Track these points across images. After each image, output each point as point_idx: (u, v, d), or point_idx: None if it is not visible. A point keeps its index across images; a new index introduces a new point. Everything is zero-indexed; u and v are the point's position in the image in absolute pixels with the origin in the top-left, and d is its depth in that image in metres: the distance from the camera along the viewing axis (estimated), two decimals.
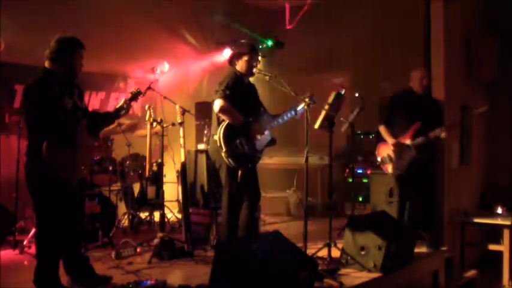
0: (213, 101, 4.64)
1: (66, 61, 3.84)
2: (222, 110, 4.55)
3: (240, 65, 4.80)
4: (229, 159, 4.57)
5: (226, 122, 4.60)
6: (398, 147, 5.34)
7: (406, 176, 5.37)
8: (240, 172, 4.64)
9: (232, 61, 4.87)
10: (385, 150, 5.48)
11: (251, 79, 4.99)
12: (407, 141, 5.32)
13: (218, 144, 4.56)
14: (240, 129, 4.62)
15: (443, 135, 5.23)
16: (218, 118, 4.68)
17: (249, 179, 4.74)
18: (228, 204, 4.72)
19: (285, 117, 4.91)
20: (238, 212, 4.77)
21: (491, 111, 6.67)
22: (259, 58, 4.90)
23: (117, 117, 4.29)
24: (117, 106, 4.21)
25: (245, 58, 4.77)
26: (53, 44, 3.84)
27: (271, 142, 4.92)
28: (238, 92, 4.67)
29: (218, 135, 4.58)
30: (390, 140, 5.39)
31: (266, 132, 4.82)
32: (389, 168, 5.46)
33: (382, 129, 5.51)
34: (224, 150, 4.54)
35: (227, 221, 4.72)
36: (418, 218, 5.33)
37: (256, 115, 4.82)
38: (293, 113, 4.89)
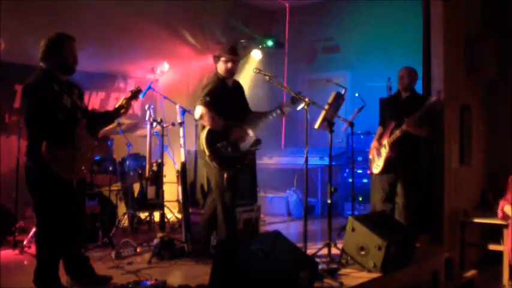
0: (195, 107, 4.71)
1: (57, 57, 3.83)
2: (202, 117, 4.64)
3: (220, 68, 4.86)
4: (213, 163, 4.63)
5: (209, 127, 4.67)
6: (377, 147, 5.55)
7: (387, 175, 5.49)
8: (225, 175, 4.66)
9: (216, 59, 4.91)
10: (371, 151, 5.69)
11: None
12: (385, 141, 5.45)
13: (202, 148, 4.64)
14: (222, 132, 4.67)
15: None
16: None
17: (235, 181, 4.76)
18: (223, 205, 4.74)
19: (270, 117, 4.93)
20: (234, 212, 4.85)
21: (491, 111, 6.72)
22: (239, 59, 4.93)
23: (118, 117, 4.29)
24: (117, 105, 4.21)
25: (223, 60, 4.82)
26: (41, 44, 3.85)
27: (256, 143, 4.93)
28: (221, 95, 4.73)
29: (201, 139, 4.66)
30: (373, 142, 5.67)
31: (250, 133, 4.83)
32: (372, 167, 5.63)
33: (378, 131, 5.73)
34: (207, 154, 4.61)
35: (225, 221, 4.74)
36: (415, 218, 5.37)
37: (240, 117, 4.84)
38: (278, 111, 4.91)
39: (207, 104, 4.63)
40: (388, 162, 5.44)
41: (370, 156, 5.68)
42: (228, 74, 4.85)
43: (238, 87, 5.05)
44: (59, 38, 3.88)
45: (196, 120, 4.87)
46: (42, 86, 3.72)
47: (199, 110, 4.64)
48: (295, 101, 4.82)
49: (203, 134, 4.66)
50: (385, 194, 5.53)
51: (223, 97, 4.75)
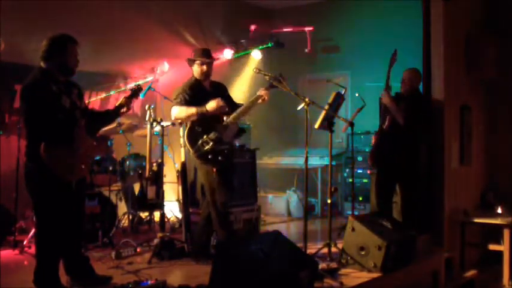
0: (171, 108, 4.77)
1: (58, 59, 3.81)
2: (177, 117, 4.73)
3: (195, 70, 4.91)
4: (199, 160, 4.69)
5: (189, 125, 4.71)
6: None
7: (380, 172, 5.54)
8: (214, 170, 4.69)
9: (188, 63, 4.98)
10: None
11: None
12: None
13: (186, 147, 4.71)
14: (202, 128, 4.70)
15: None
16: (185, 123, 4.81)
17: (225, 175, 4.78)
18: (215, 206, 4.77)
19: (251, 106, 4.99)
20: (226, 212, 4.89)
21: (491, 111, 6.72)
22: (213, 62, 4.97)
23: (118, 115, 4.26)
24: (117, 104, 4.20)
25: (197, 63, 4.87)
26: (44, 43, 3.83)
27: (240, 132, 5.03)
28: (198, 96, 4.77)
29: (184, 138, 4.71)
30: None
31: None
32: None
33: None
34: (192, 152, 4.67)
35: (218, 219, 4.77)
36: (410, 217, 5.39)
37: (225, 116, 4.88)
38: (257, 98, 4.96)
39: (180, 103, 4.72)
40: (374, 154, 5.50)
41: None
42: (203, 77, 4.90)
43: (218, 87, 5.07)
44: (63, 39, 3.87)
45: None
46: (40, 86, 3.70)
47: (173, 110, 4.74)
48: (272, 86, 4.88)
49: (185, 133, 4.73)
50: (376, 188, 5.55)
51: (201, 98, 4.78)
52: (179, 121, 4.86)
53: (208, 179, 4.77)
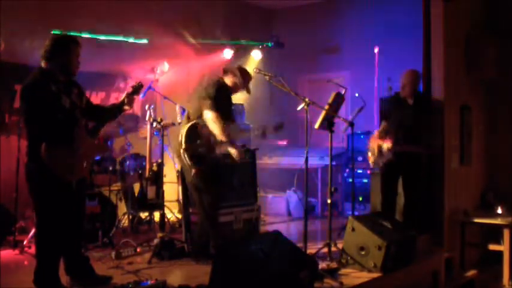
0: (201, 107, 4.72)
1: (60, 59, 3.82)
2: (213, 121, 4.65)
3: (228, 81, 4.94)
4: (185, 155, 4.64)
5: (191, 124, 4.68)
6: (380, 144, 5.52)
7: (387, 173, 5.53)
8: (193, 171, 4.68)
9: (226, 71, 5.00)
10: (374, 143, 5.59)
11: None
12: (386, 145, 5.43)
13: (180, 139, 4.65)
14: (203, 131, 4.70)
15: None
16: (189, 118, 4.79)
17: (211, 177, 4.77)
18: (203, 209, 4.78)
19: (250, 134, 5.18)
20: (215, 215, 4.88)
21: (491, 111, 6.72)
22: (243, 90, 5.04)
23: (122, 111, 4.25)
24: (120, 100, 4.19)
25: (235, 81, 4.92)
26: (47, 43, 3.83)
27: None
28: (223, 99, 4.80)
29: (182, 131, 4.69)
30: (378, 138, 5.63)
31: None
32: (370, 160, 5.64)
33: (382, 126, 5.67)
34: (183, 147, 4.64)
35: (208, 220, 4.79)
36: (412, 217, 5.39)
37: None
38: (260, 133, 5.08)
39: (212, 109, 4.65)
40: (387, 164, 5.45)
41: (372, 147, 5.59)
42: (232, 88, 4.98)
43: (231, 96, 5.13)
44: (66, 39, 3.88)
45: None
46: (39, 86, 3.71)
47: (208, 115, 4.65)
48: (278, 129, 5.00)
49: (185, 127, 4.68)
50: (383, 195, 5.54)
51: (225, 101, 4.81)
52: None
53: (192, 179, 4.76)
